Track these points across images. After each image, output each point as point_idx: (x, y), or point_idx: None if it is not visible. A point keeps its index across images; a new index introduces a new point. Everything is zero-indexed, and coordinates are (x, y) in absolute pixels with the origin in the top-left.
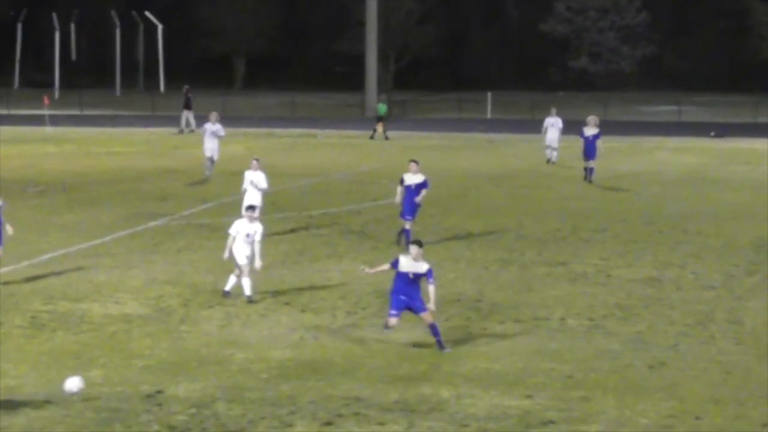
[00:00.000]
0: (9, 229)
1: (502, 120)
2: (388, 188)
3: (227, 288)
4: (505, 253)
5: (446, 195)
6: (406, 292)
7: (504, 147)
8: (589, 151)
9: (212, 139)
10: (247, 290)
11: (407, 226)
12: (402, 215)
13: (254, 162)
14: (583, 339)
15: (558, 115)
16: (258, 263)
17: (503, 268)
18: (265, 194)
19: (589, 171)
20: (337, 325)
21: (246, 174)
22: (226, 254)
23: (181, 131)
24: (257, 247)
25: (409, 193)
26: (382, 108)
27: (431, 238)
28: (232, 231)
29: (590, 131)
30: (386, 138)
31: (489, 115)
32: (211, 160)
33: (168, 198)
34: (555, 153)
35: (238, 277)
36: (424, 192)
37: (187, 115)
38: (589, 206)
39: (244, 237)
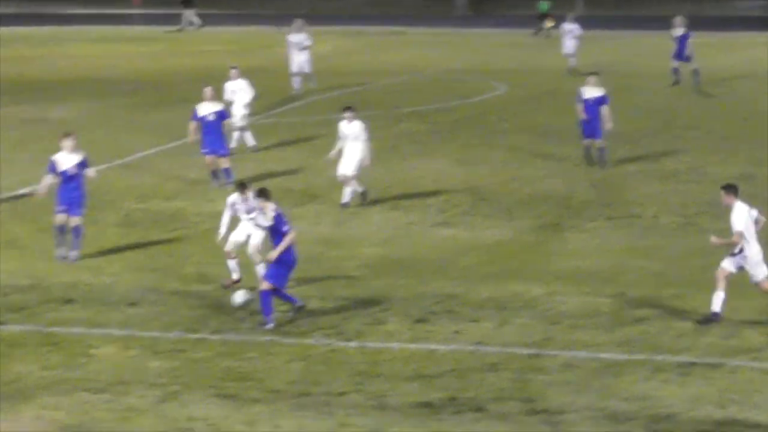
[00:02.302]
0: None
1: (593, 16)
2: (478, 86)
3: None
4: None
5: (537, 92)
6: None
7: (595, 43)
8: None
9: (298, 52)
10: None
11: (586, 143)
12: (584, 134)
13: (233, 71)
14: (675, 236)
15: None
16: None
17: (594, 166)
18: (253, 101)
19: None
20: (428, 222)
21: (226, 86)
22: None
23: (182, 29)
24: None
25: (588, 109)
26: (544, 5)
27: (521, 135)
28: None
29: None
30: (548, 36)
31: (582, 11)
32: (301, 75)
33: (258, 96)
34: (573, 60)
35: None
36: (604, 109)
37: (188, 14)
38: (682, 103)
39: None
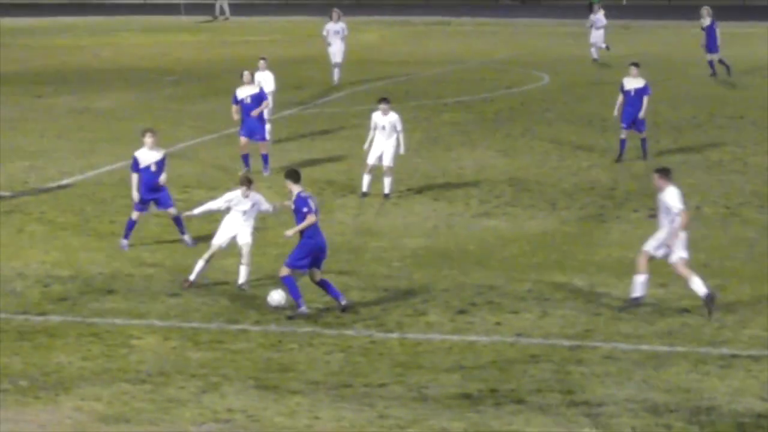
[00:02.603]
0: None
1: (638, 6)
2: (523, 76)
3: (365, 189)
4: (639, 140)
5: (581, 82)
6: None
7: (640, 33)
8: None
9: (336, 41)
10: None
11: (622, 135)
12: (623, 124)
13: (261, 62)
14: (719, 227)
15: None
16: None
17: (638, 156)
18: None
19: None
20: (470, 213)
21: (255, 75)
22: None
23: (215, 18)
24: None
25: (629, 100)
26: None
27: (565, 126)
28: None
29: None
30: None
31: (624, 2)
32: (338, 65)
33: (302, 86)
34: (593, 49)
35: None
36: (645, 100)
37: (221, 2)
38: (726, 93)
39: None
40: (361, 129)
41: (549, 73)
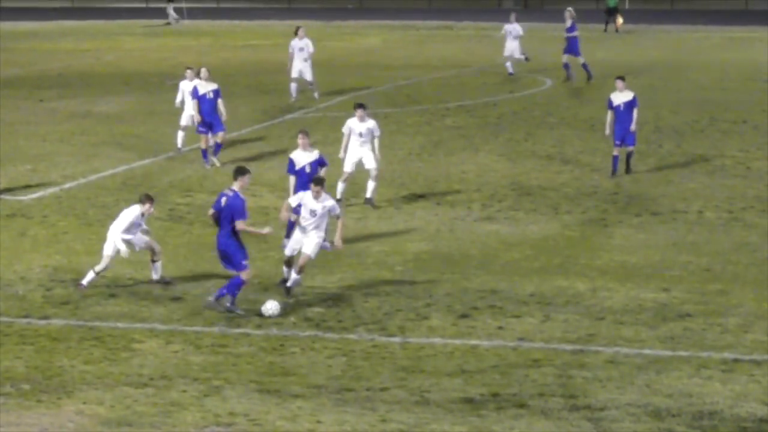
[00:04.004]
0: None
1: (639, 10)
2: (524, 80)
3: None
4: (642, 145)
5: (583, 87)
6: None
7: (641, 37)
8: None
9: (300, 59)
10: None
11: (615, 152)
12: (615, 141)
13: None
14: (721, 232)
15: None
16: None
17: (640, 161)
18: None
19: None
20: (472, 217)
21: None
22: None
23: (169, 23)
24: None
25: (618, 116)
26: (612, 0)
27: (567, 130)
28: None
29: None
30: (616, 31)
31: (627, 5)
32: (299, 81)
33: (304, 90)
34: (509, 63)
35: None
36: (635, 112)
37: (168, 8)
38: (729, 97)
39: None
40: None
41: (551, 78)
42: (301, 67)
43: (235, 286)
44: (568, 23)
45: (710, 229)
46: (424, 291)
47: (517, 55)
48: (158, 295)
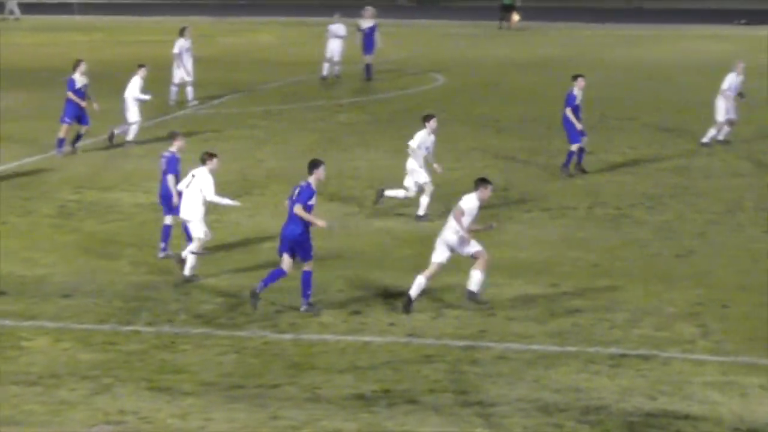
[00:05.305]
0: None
1: (534, 7)
2: (417, 77)
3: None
4: (533, 142)
5: (477, 83)
6: None
7: (533, 35)
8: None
9: (188, 59)
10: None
11: (573, 148)
12: (575, 138)
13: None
14: (610, 228)
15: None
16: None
17: (531, 157)
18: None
19: None
20: (365, 214)
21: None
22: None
23: (5, 18)
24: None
25: (576, 112)
26: None
27: (460, 127)
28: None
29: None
30: (508, 28)
31: (519, 2)
32: (180, 85)
33: (198, 86)
34: (337, 68)
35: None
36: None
37: (10, 4)
38: (618, 94)
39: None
40: (257, 130)
41: (444, 75)
42: (189, 68)
43: (308, 282)
44: (370, 23)
45: (599, 226)
46: (316, 287)
47: (337, 57)
48: (48, 292)
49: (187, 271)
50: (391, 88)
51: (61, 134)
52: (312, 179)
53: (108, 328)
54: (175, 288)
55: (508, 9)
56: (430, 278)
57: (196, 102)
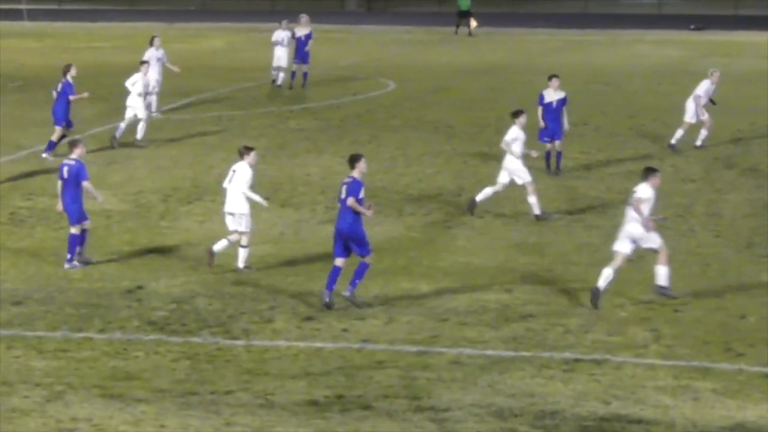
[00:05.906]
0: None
1: (483, 13)
2: (368, 83)
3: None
4: (485, 147)
5: (427, 89)
6: None
7: (484, 40)
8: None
9: (157, 69)
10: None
11: (547, 147)
12: (540, 137)
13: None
14: (562, 233)
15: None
16: None
17: (483, 162)
18: None
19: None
20: (317, 220)
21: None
22: None
23: None
24: None
25: (550, 112)
26: (465, 2)
27: (411, 132)
28: None
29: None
30: (469, 34)
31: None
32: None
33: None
34: (282, 74)
35: None
36: (565, 110)
37: None
38: (569, 99)
39: None
40: (208, 136)
41: (395, 80)
42: (159, 79)
43: (362, 272)
44: (306, 30)
45: (552, 230)
46: (269, 294)
47: (284, 63)
48: None
49: (241, 263)
50: (342, 94)
51: (54, 137)
52: (356, 173)
53: (60, 335)
54: (127, 295)
55: (465, 15)
56: (617, 270)
57: (158, 113)
